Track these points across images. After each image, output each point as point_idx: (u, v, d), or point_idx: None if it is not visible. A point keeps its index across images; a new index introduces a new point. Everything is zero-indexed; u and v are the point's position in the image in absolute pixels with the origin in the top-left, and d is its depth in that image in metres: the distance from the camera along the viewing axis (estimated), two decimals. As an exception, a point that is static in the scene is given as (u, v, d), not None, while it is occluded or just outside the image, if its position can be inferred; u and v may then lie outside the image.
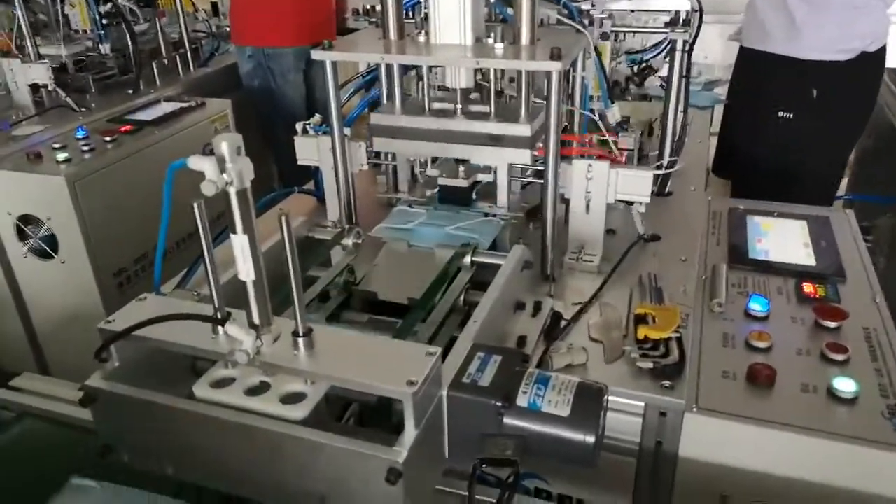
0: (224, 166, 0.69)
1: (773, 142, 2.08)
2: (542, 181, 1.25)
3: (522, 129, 1.31)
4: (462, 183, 1.37)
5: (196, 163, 0.70)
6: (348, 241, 1.27)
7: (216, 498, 0.89)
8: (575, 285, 1.31)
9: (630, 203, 1.41)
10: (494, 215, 1.37)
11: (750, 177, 2.14)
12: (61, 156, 1.91)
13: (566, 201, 1.36)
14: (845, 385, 1.03)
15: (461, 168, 1.39)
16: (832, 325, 1.18)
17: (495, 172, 1.37)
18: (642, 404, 1.05)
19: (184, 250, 2.19)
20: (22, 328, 2.12)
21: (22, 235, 1.97)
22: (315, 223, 1.35)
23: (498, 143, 1.33)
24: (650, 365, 1.06)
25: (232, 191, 0.71)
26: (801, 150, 2.04)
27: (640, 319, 1.14)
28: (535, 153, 1.33)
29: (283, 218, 0.71)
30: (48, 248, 1.96)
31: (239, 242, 0.74)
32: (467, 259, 1.18)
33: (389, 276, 1.23)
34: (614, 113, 1.61)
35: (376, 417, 0.88)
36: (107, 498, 0.93)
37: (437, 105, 1.40)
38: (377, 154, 1.49)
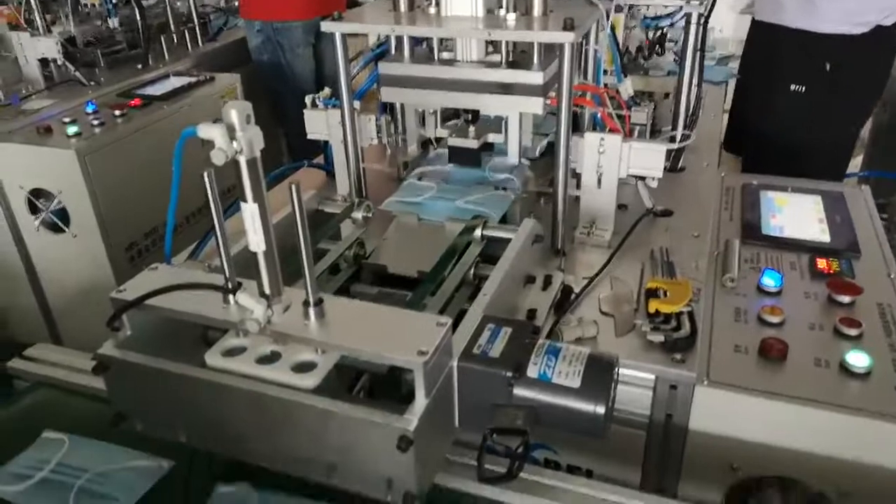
0: (234, 134, 0.69)
1: (784, 116, 2.05)
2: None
3: (534, 77, 1.26)
4: (472, 143, 1.35)
5: (206, 131, 0.70)
6: (358, 215, 1.26)
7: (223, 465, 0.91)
8: (585, 260, 1.30)
9: (642, 178, 1.40)
10: (505, 189, 1.36)
11: (761, 151, 2.11)
12: (71, 129, 1.91)
13: (577, 176, 1.35)
14: (858, 359, 1.02)
15: (471, 128, 1.37)
16: (846, 300, 1.17)
17: (506, 132, 1.35)
18: (653, 377, 1.05)
19: (194, 224, 2.20)
20: (35, 302, 2.14)
21: (34, 209, 1.98)
22: (325, 197, 1.35)
23: (509, 91, 1.28)
24: (661, 338, 1.05)
25: (242, 159, 0.71)
26: (813, 124, 2.01)
27: (652, 293, 1.13)
28: (548, 102, 1.29)
29: (293, 186, 0.71)
30: (60, 221, 1.97)
31: (249, 211, 0.74)
32: (478, 232, 1.18)
33: (399, 249, 1.23)
34: (627, 87, 1.59)
35: (386, 389, 0.88)
36: (74, 448, 0.95)
37: (446, 55, 1.36)
38: (386, 127, 1.48)
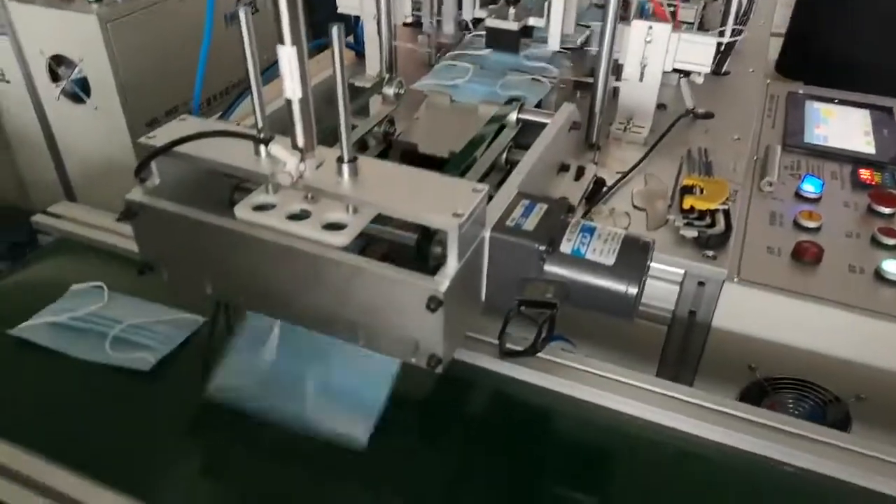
0: (274, -33, 0.64)
1: (850, 34, 1.93)
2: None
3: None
4: (511, 25, 1.29)
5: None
6: (389, 91, 1.22)
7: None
8: (620, 155, 1.26)
9: (686, 74, 1.34)
10: (542, 77, 1.31)
11: (823, 73, 2.00)
12: (94, -6, 1.84)
13: (618, 68, 1.29)
14: (895, 267, 1.00)
15: (511, 10, 1.30)
16: (886, 210, 1.14)
17: (548, 16, 1.28)
18: (681, 272, 1.03)
19: (215, 108, 2.16)
20: (55, 173, 2.13)
21: (54, 77, 1.93)
22: (354, 73, 1.30)
23: None
24: (694, 234, 1.03)
25: (281, -4, 0.66)
26: (882, 41, 1.89)
27: (687, 190, 1.10)
28: None
29: (336, 27, 0.67)
30: (81, 91, 1.93)
31: (286, 55, 0.70)
32: (513, 116, 1.14)
33: (430, 129, 1.19)
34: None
35: (410, 264, 0.87)
36: (107, 299, 0.97)
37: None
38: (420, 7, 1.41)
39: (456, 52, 1.41)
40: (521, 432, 0.86)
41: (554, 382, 0.89)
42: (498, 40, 1.33)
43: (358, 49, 1.55)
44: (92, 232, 1.13)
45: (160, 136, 0.81)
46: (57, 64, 1.91)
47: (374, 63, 1.44)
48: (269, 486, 0.79)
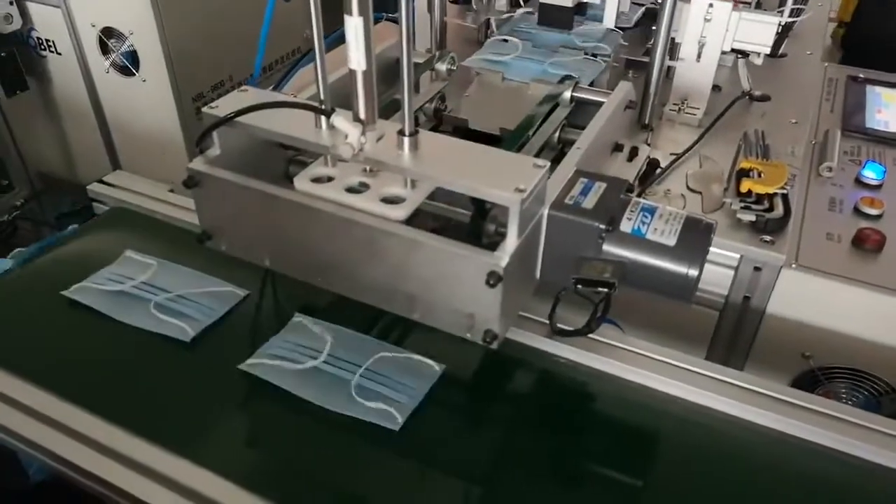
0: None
1: None
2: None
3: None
4: (566, 2, 1.27)
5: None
6: (441, 67, 1.21)
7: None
8: (673, 137, 1.24)
9: (744, 55, 1.30)
10: (596, 55, 1.28)
11: (883, 57, 1.93)
12: (145, -33, 1.85)
13: (674, 47, 1.27)
14: (962, 257, 0.97)
15: (566, -14, 1.28)
16: (953, 199, 1.10)
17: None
18: (737, 256, 1.01)
19: (265, 80, 2.16)
20: (103, 145, 2.16)
21: (104, 50, 1.96)
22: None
23: None
24: (752, 218, 1.01)
25: (349, -35, 0.66)
26: None
27: (745, 173, 1.08)
28: None
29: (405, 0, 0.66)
30: (130, 64, 1.95)
31: (353, 25, 0.70)
32: (567, 94, 1.12)
33: (482, 106, 1.18)
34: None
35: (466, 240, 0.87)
36: (156, 268, 0.98)
37: None
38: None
39: (506, 29, 1.39)
40: (565, 412, 0.85)
41: (602, 363, 0.88)
42: (551, 17, 1.31)
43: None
44: (146, 201, 1.14)
45: (222, 107, 0.82)
46: (107, 37, 1.93)
47: (423, 39, 1.43)
48: (303, 453, 0.79)
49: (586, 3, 1.32)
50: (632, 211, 0.80)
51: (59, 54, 2.04)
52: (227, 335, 0.91)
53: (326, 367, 0.85)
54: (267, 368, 0.85)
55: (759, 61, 1.27)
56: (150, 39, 1.87)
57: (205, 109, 0.81)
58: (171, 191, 1.16)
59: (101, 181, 1.20)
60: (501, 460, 0.80)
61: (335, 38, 1.49)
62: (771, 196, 1.03)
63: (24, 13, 1.97)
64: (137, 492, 0.72)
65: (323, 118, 0.77)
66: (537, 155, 1.04)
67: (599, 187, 0.83)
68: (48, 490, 0.99)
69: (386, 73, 1.10)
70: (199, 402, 0.83)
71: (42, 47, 2.04)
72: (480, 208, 0.83)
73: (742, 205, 1.03)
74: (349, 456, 0.78)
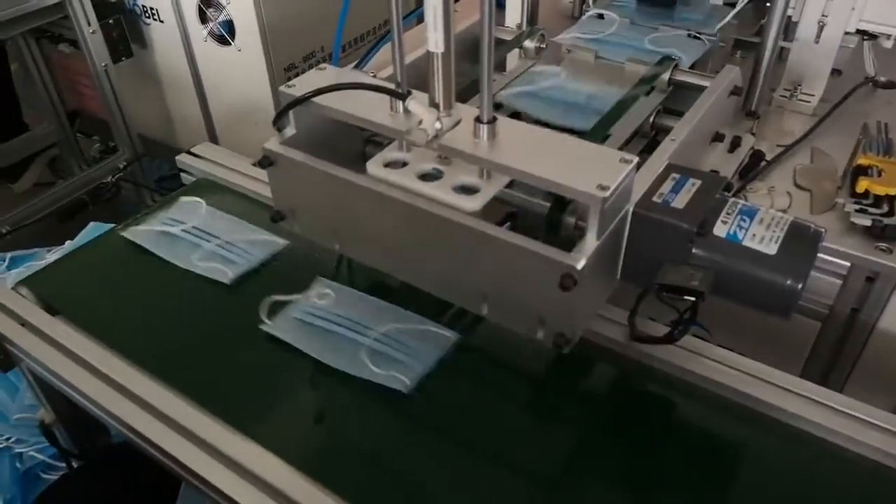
0: None
1: None
2: None
3: None
4: (670, -25, 1.17)
5: None
6: (530, 45, 1.15)
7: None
8: (783, 126, 1.13)
9: (871, 36, 1.17)
10: (700, 34, 1.18)
11: None
12: (242, -63, 1.87)
13: (790, 27, 1.15)
14: None
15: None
16: None
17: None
18: (847, 264, 0.92)
19: (350, 55, 2.16)
20: (200, 113, 2.24)
21: (203, 19, 2.01)
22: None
23: None
24: (868, 222, 0.91)
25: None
26: None
27: (862, 171, 0.97)
28: None
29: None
30: (226, 34, 1.99)
31: (432, 5, 0.66)
32: (665, 76, 1.04)
33: (572, 88, 1.11)
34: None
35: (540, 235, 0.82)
36: (208, 214, 1.07)
37: None
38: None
39: (603, 3, 1.30)
40: (643, 420, 0.80)
41: (685, 372, 0.82)
42: (652, -4, 1.22)
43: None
44: (229, 174, 1.16)
45: (299, 86, 0.80)
46: (206, 6, 1.97)
47: (514, 14, 1.37)
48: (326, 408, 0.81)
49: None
50: (728, 213, 0.73)
51: (162, 22, 2.10)
52: (263, 280, 0.96)
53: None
54: (285, 328, 0.88)
55: (888, 44, 1.13)
56: (246, 9, 1.90)
57: (281, 88, 0.80)
58: (255, 164, 1.17)
59: (188, 152, 1.23)
60: (568, 462, 0.76)
61: (417, 14, 1.46)
62: (891, 198, 0.92)
63: (130, -19, 2.05)
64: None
65: (399, 101, 0.74)
66: (627, 143, 0.97)
67: (693, 185, 0.76)
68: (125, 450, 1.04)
69: (472, 50, 1.06)
70: (229, 343, 0.89)
71: (146, 15, 2.11)
72: (560, 197, 0.78)
73: (857, 207, 0.92)
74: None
